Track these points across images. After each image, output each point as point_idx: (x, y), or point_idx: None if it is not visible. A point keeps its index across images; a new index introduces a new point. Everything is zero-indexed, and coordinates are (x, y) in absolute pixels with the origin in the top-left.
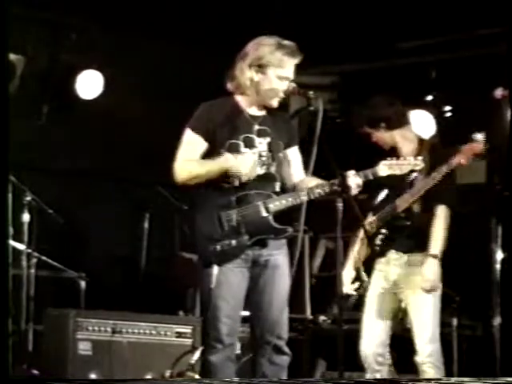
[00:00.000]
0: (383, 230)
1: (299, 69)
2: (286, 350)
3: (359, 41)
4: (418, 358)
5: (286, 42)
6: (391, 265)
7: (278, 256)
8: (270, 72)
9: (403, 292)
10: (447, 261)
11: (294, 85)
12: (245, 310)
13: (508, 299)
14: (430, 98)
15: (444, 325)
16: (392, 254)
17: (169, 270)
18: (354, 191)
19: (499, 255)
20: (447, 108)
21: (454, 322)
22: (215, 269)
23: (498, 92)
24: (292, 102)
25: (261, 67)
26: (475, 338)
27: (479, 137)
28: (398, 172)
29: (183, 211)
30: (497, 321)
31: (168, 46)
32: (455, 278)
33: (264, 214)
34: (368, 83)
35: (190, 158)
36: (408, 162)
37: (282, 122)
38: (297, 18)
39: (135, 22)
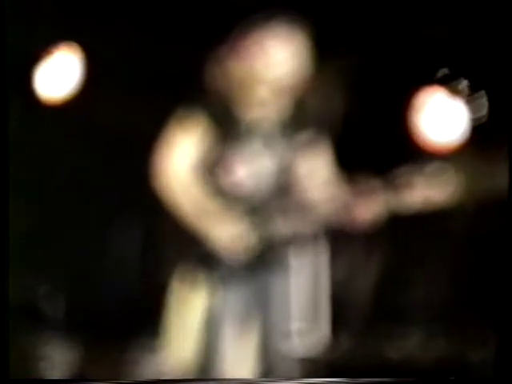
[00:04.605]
0: None
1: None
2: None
3: (379, 27)
4: None
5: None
6: None
7: (288, 279)
8: (253, 55)
9: None
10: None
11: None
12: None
13: None
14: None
15: (470, 350)
16: None
17: (155, 294)
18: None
19: None
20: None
21: (481, 346)
22: (213, 292)
23: None
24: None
25: (251, 48)
26: (500, 363)
27: None
28: None
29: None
30: None
31: (159, 37)
32: (481, 300)
33: (277, 230)
34: (385, 75)
35: (184, 167)
36: None
37: (310, 117)
38: (306, 11)
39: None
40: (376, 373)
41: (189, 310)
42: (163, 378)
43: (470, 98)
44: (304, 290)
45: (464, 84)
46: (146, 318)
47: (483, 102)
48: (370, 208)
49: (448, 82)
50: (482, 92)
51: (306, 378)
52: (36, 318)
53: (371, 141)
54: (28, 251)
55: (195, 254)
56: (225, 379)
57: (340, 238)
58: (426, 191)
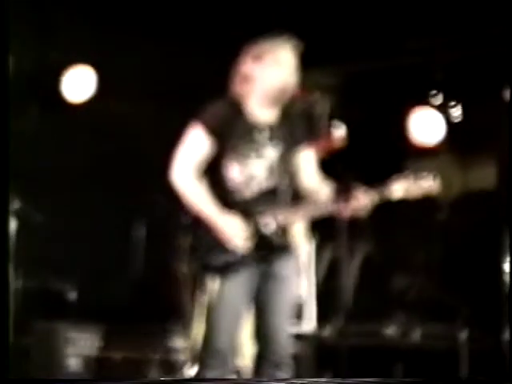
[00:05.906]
0: None
1: (303, 69)
2: (286, 368)
3: (365, 40)
4: None
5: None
6: None
7: (285, 269)
8: (266, 61)
9: None
10: (456, 271)
11: (297, 85)
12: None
13: None
14: (438, 99)
15: (453, 338)
16: None
17: (164, 283)
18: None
19: (508, 266)
20: (456, 110)
21: (463, 334)
22: (217, 281)
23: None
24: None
25: (258, 57)
26: (485, 351)
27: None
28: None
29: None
30: (506, 333)
31: (166, 44)
32: (464, 289)
33: (271, 228)
34: (374, 84)
35: (191, 163)
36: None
37: (297, 123)
38: (301, 17)
39: (130, 19)
40: (368, 352)
41: (199, 298)
42: (165, 378)
43: (448, 108)
44: (301, 277)
45: (441, 97)
46: (161, 306)
47: (459, 111)
48: (360, 202)
49: (431, 97)
50: (459, 104)
51: (302, 378)
52: (54, 308)
53: (365, 141)
54: (46, 242)
55: (204, 246)
56: (225, 379)
57: (332, 231)
58: (412, 188)
